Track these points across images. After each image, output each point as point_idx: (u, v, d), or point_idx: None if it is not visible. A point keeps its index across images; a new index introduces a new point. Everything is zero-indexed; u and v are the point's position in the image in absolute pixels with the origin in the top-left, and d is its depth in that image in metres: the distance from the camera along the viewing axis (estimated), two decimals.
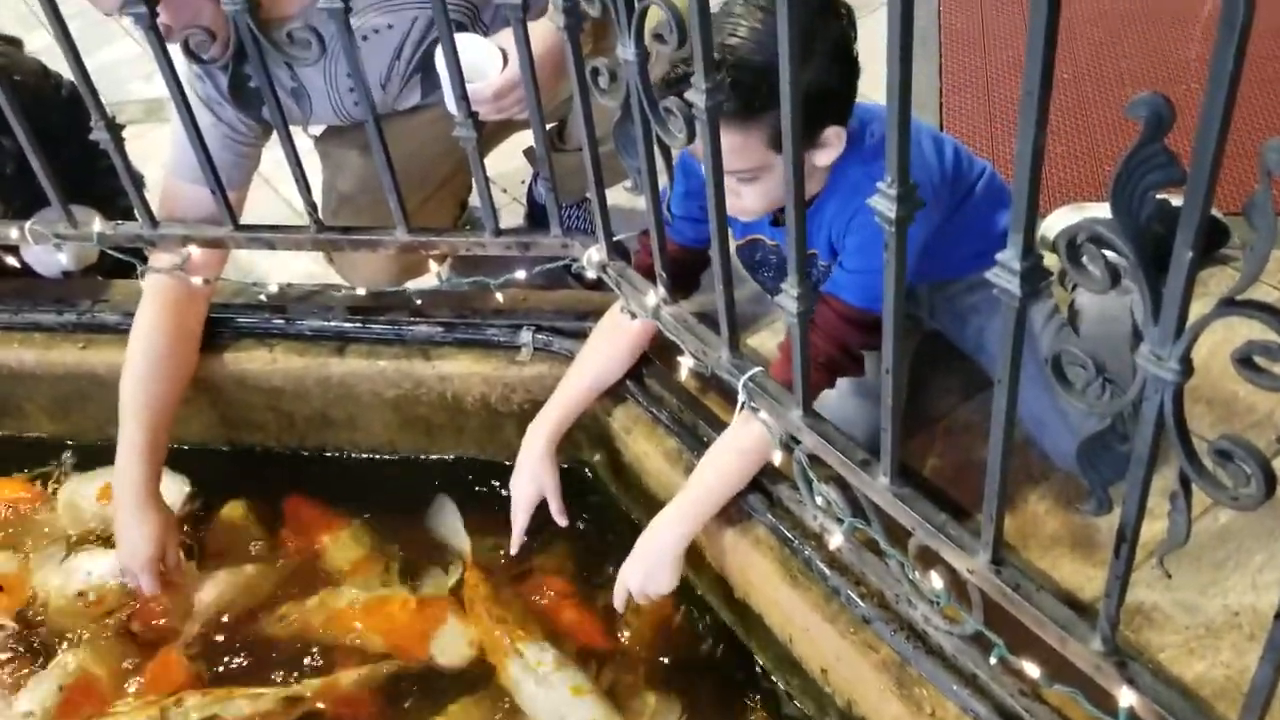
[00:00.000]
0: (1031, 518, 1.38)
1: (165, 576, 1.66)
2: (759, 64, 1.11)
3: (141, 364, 1.67)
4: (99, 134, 1.55)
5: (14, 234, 1.72)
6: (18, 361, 1.89)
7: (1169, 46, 2.34)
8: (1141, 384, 0.79)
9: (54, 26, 1.45)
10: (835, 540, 1.28)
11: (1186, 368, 0.76)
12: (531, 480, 1.56)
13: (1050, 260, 0.88)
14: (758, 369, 1.26)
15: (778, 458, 1.30)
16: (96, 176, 1.81)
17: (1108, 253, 0.76)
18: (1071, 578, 1.30)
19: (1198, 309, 0.73)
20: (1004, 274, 0.84)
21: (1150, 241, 0.73)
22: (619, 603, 1.46)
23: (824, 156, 1.25)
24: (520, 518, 1.58)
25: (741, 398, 1.26)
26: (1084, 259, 0.77)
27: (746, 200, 1.28)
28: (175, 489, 1.79)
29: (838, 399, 1.43)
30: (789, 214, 1.06)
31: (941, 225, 1.36)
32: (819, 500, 1.27)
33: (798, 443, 1.25)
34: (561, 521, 1.58)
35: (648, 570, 1.40)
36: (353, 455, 1.89)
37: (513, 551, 1.59)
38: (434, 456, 1.86)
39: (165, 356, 1.69)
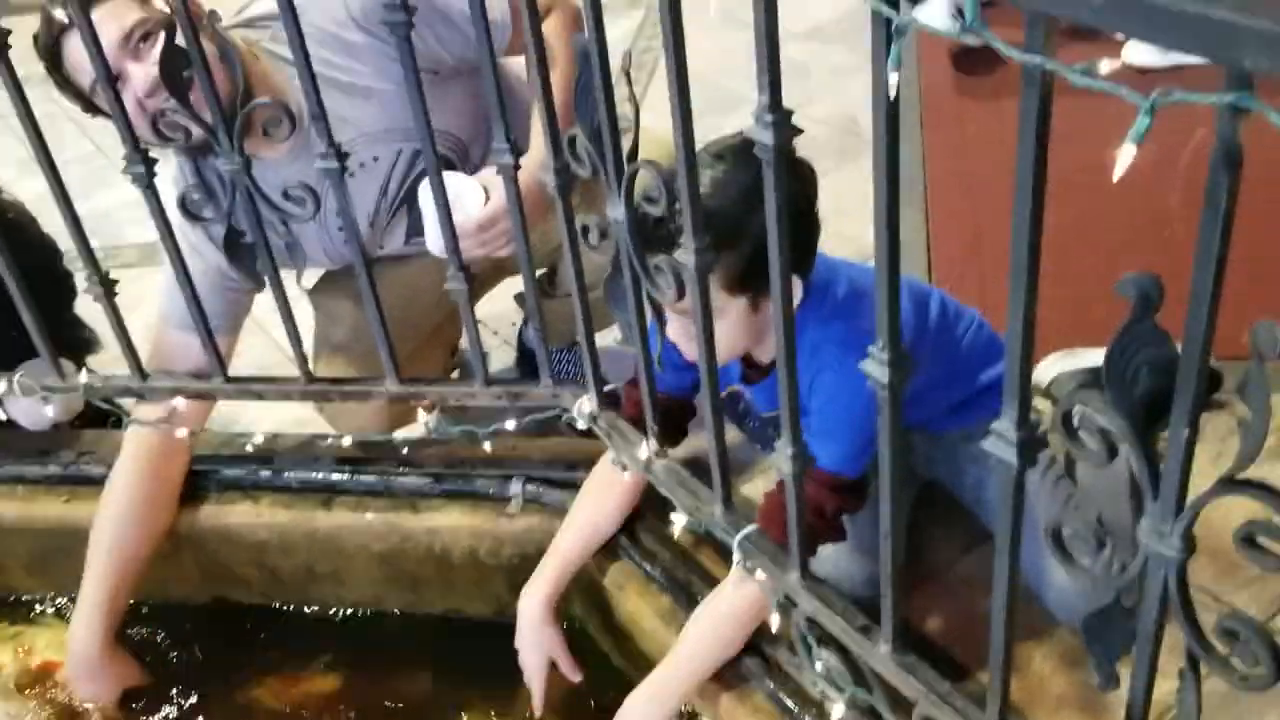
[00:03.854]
0: (1037, 679, 1.33)
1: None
2: (714, 209, 1.11)
3: (115, 511, 1.65)
4: (92, 288, 1.56)
5: (1, 387, 1.70)
6: None
7: (1154, 189, 2.38)
8: (1144, 560, 0.77)
9: (47, 173, 1.46)
10: (837, 710, 1.23)
11: (1189, 544, 0.74)
12: (536, 648, 1.53)
13: (1043, 404, 0.86)
14: (753, 527, 1.23)
15: (775, 621, 1.26)
16: (63, 324, 1.80)
17: (1102, 426, 0.75)
18: None
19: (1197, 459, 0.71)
20: (1000, 443, 0.83)
21: (1144, 405, 0.72)
22: None
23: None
24: (536, 686, 1.55)
25: (737, 557, 1.23)
26: (1080, 434, 0.75)
27: (673, 334, 1.27)
28: None
29: (835, 553, 1.39)
30: (780, 371, 1.05)
31: (929, 377, 1.35)
32: (819, 667, 1.23)
33: (795, 605, 1.21)
34: (574, 678, 1.55)
35: None
36: (337, 612, 1.84)
37: (537, 715, 1.56)
38: (421, 612, 1.81)
39: (140, 507, 1.67)
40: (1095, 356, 1.70)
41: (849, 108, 2.88)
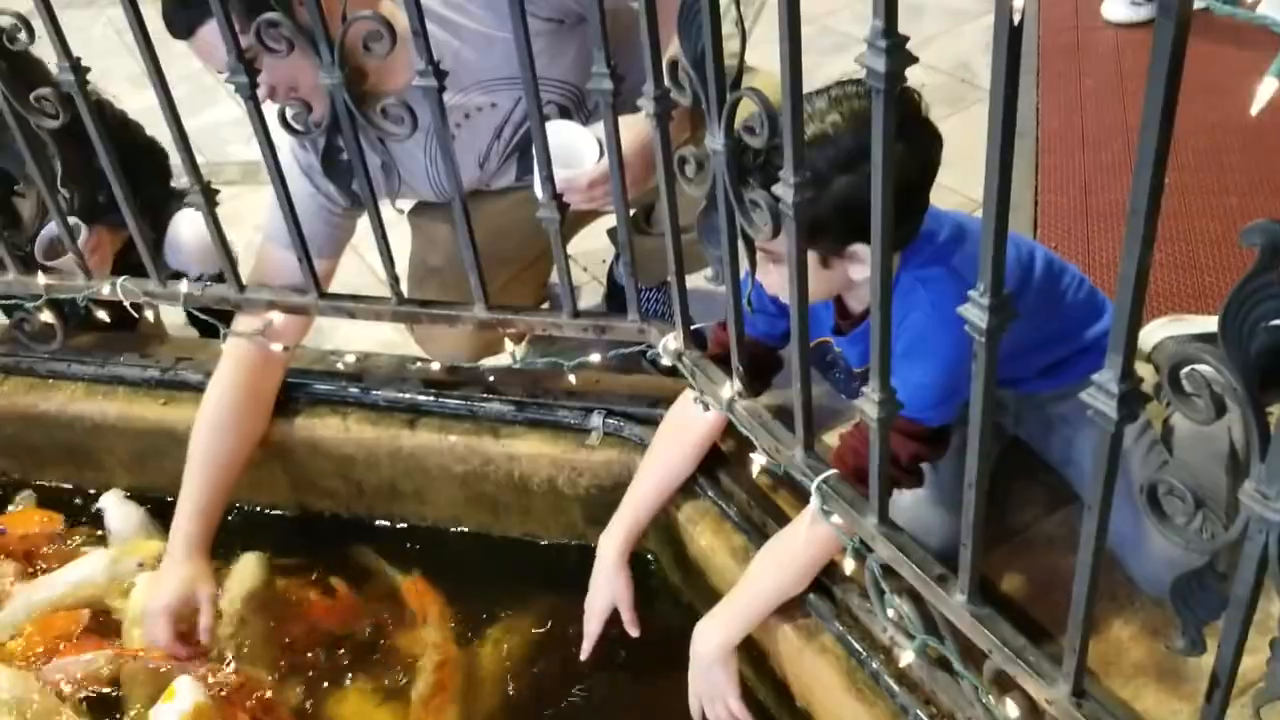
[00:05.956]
0: (1115, 644, 1.31)
1: (184, 635, 1.64)
2: (814, 158, 1.09)
3: (212, 422, 1.69)
4: (194, 197, 1.59)
5: (105, 290, 1.76)
6: (100, 414, 1.92)
7: (1274, 158, 2.27)
8: (1244, 523, 0.74)
9: (157, 88, 1.49)
10: (906, 657, 1.22)
11: None
12: (606, 590, 1.54)
13: (1144, 371, 0.83)
14: (832, 471, 1.22)
15: (849, 565, 1.25)
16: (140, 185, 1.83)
17: (1212, 382, 0.72)
18: (1155, 710, 1.22)
19: None
20: (1100, 396, 0.80)
21: (1259, 363, 0.69)
22: (695, 716, 1.42)
23: (859, 271, 1.21)
24: (593, 626, 1.55)
25: (815, 500, 1.22)
26: (1187, 388, 0.72)
27: (772, 278, 1.25)
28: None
29: (914, 504, 1.38)
30: (873, 315, 1.03)
31: (1026, 333, 1.32)
32: (890, 613, 1.22)
33: (870, 550, 1.20)
34: (633, 632, 1.54)
35: (700, 682, 1.36)
36: (419, 526, 1.88)
37: (583, 657, 1.56)
38: (498, 534, 1.84)
39: (236, 417, 1.71)
40: (1203, 324, 1.64)
41: (963, 54, 2.80)
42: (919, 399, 1.21)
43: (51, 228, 1.81)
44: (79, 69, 1.50)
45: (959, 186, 1.92)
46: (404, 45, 1.35)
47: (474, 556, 1.85)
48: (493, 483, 1.77)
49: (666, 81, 1.17)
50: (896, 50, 0.82)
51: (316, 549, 1.86)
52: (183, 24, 1.46)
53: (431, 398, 1.79)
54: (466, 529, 1.86)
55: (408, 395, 1.81)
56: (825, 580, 1.37)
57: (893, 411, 1.08)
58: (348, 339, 2.08)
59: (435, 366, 1.79)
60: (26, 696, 1.59)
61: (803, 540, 1.31)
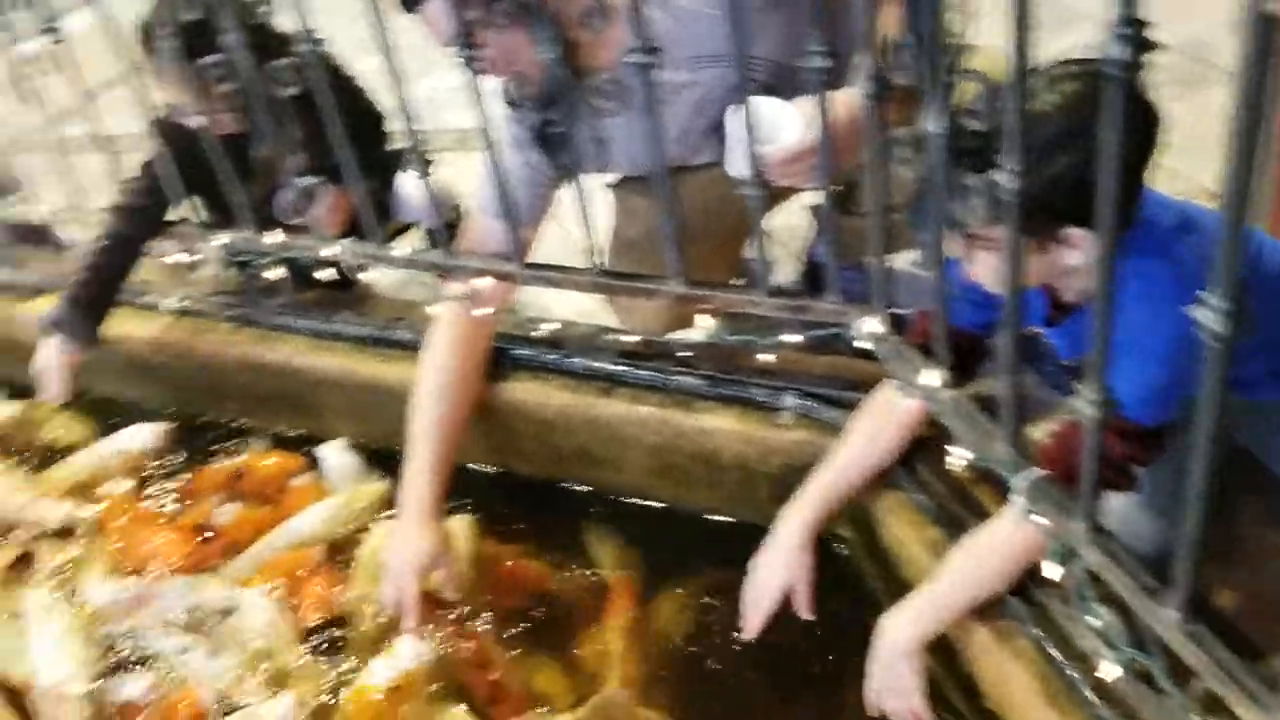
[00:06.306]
0: None
1: (430, 595, 1.69)
2: (1030, 138, 1.04)
3: (433, 387, 1.77)
4: (413, 164, 1.66)
5: (331, 250, 1.86)
6: (323, 368, 2.05)
7: None
8: None
9: (383, 53, 1.56)
10: (1108, 669, 1.17)
11: None
12: (784, 569, 1.52)
13: None
14: (1039, 471, 1.17)
15: (1053, 569, 1.20)
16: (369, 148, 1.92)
17: None
18: None
19: None
20: None
21: None
22: (871, 711, 1.40)
23: (1073, 256, 1.15)
24: (765, 604, 1.53)
25: (1019, 499, 1.17)
26: None
27: (976, 268, 1.20)
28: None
29: (1124, 508, 1.32)
30: (1097, 309, 0.98)
31: (1259, 336, 1.23)
32: (1094, 622, 1.17)
33: (1075, 555, 1.15)
34: (806, 615, 1.52)
35: (883, 675, 1.34)
36: (611, 497, 1.92)
37: (748, 635, 1.55)
38: (684, 505, 1.86)
39: (455, 382, 1.78)
40: None
41: (1200, 31, 2.61)
42: (1135, 397, 1.15)
43: (294, 187, 1.92)
44: (315, 40, 1.58)
45: (1190, 172, 1.80)
46: (615, 21, 1.36)
47: (656, 525, 1.87)
48: (683, 455, 1.79)
49: (882, 61, 1.14)
50: (1139, 38, 0.77)
51: (513, 507, 1.92)
52: None
53: (626, 368, 1.83)
54: (653, 500, 1.89)
55: (603, 364, 1.84)
56: (1024, 581, 1.33)
57: (1108, 412, 1.03)
58: (546, 306, 2.14)
59: (631, 338, 1.81)
60: (273, 631, 1.73)
61: (1004, 540, 1.27)
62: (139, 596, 1.80)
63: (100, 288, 2.02)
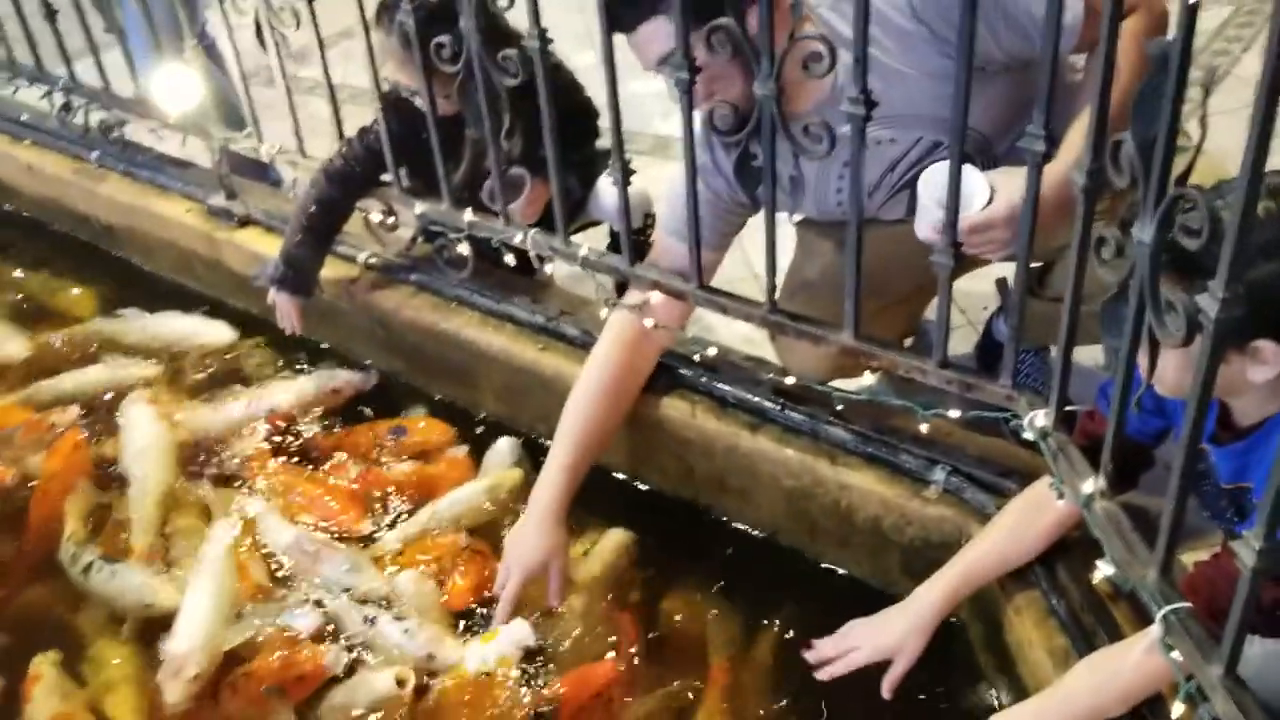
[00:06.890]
0: None
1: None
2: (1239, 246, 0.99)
3: (590, 390, 1.81)
4: (613, 172, 1.69)
5: (518, 237, 1.92)
6: (487, 344, 2.12)
7: None
8: None
9: (605, 48, 1.59)
10: None
11: None
12: (898, 640, 1.51)
13: None
14: (1184, 604, 1.12)
15: (1178, 709, 1.15)
16: (576, 145, 1.96)
17: None
18: None
19: None
20: None
21: None
22: None
23: (1259, 373, 1.09)
24: (859, 657, 1.53)
25: (1157, 630, 1.12)
26: None
27: (1160, 369, 1.13)
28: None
29: (1262, 656, 1.23)
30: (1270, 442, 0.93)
31: None
32: None
33: (1205, 699, 1.09)
34: (886, 694, 1.51)
35: None
36: (736, 526, 1.93)
37: (823, 677, 1.55)
38: (810, 555, 1.85)
39: (611, 389, 1.81)
40: None
41: None
42: None
43: (501, 175, 1.99)
44: (544, 38, 1.64)
45: None
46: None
47: (784, 570, 1.86)
48: (818, 505, 1.77)
49: (1105, 158, 1.11)
50: None
51: (647, 521, 1.93)
52: (630, 19, 1.56)
53: (778, 406, 1.82)
54: (782, 542, 1.88)
55: (755, 398, 1.84)
56: (1143, 709, 1.27)
57: (1273, 563, 0.97)
58: (709, 327, 2.15)
59: (789, 380, 1.80)
60: (421, 598, 1.80)
61: (1132, 665, 1.21)
62: (315, 554, 1.88)
63: (313, 250, 2.19)
